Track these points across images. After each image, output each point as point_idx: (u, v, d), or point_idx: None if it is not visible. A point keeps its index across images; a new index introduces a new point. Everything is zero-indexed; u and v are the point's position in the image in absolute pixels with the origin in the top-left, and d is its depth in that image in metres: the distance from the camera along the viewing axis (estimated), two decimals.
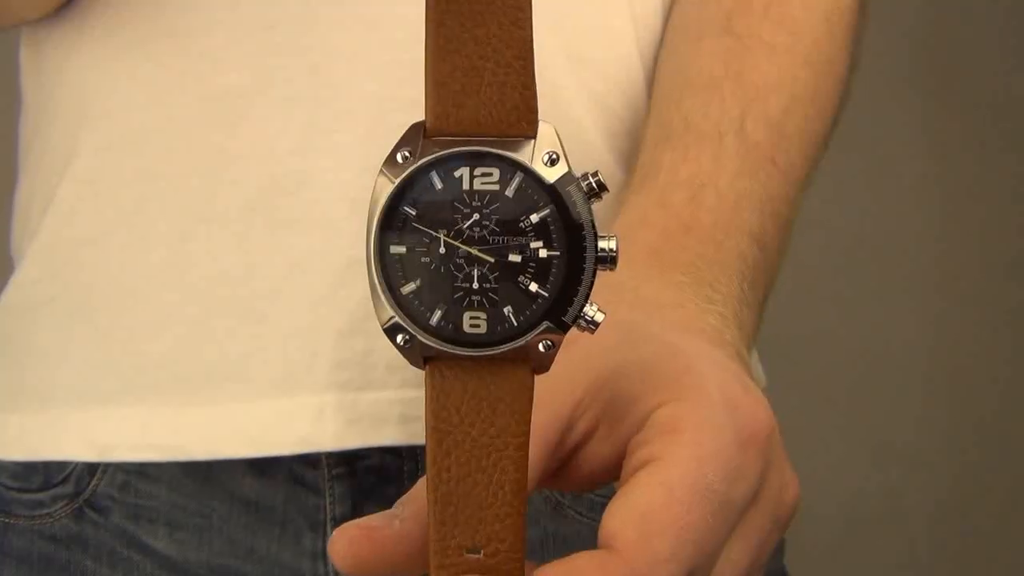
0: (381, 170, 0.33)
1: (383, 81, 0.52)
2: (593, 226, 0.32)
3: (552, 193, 0.32)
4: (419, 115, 0.53)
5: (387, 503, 0.53)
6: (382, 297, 0.33)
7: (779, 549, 0.60)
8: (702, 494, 0.33)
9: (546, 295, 0.32)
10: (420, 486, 0.36)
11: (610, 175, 0.53)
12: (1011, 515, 1.61)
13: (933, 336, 1.63)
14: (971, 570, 1.63)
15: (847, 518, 1.61)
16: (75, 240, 0.54)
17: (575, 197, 0.32)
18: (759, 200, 0.48)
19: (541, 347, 0.33)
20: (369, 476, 0.53)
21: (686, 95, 0.51)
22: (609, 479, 0.37)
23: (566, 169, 0.32)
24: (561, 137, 0.33)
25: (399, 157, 0.33)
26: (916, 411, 1.63)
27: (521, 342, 0.33)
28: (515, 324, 0.33)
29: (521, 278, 0.33)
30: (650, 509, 0.33)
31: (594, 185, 0.33)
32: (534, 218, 0.32)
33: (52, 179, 0.55)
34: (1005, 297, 1.61)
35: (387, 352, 0.52)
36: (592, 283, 0.33)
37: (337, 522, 0.53)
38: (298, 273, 0.52)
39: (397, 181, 0.33)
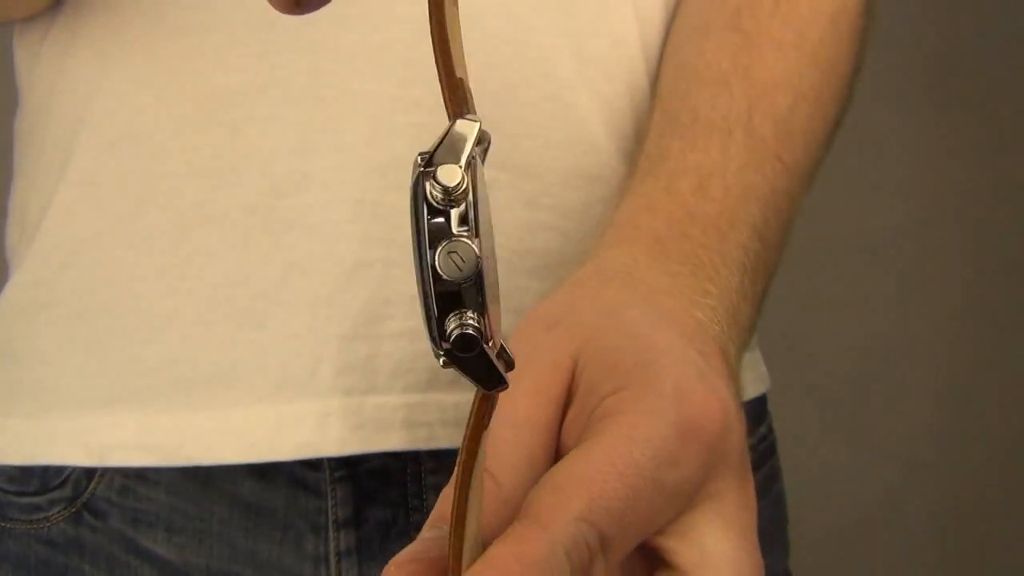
0: None
1: (386, 81, 0.51)
2: (419, 234, 0.27)
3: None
4: (424, 115, 0.53)
5: (390, 506, 0.54)
6: None
7: (784, 551, 0.60)
8: (623, 468, 0.33)
9: None
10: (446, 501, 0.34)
11: (620, 179, 0.53)
12: (1012, 516, 1.61)
13: (934, 337, 1.63)
14: (972, 571, 1.63)
15: (847, 519, 1.61)
16: (73, 243, 0.54)
17: (419, 199, 0.27)
18: (764, 194, 0.48)
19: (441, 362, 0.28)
20: (372, 479, 0.53)
21: (693, 88, 0.51)
22: None
23: (421, 168, 0.27)
24: (451, 130, 0.28)
25: None
26: (917, 412, 1.63)
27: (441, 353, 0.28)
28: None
29: None
30: (566, 476, 0.32)
31: (435, 184, 0.27)
32: None
33: (50, 181, 0.55)
34: (1006, 298, 1.61)
35: (391, 356, 0.52)
36: (435, 296, 0.27)
37: (340, 525, 0.52)
38: (298, 276, 0.51)
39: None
